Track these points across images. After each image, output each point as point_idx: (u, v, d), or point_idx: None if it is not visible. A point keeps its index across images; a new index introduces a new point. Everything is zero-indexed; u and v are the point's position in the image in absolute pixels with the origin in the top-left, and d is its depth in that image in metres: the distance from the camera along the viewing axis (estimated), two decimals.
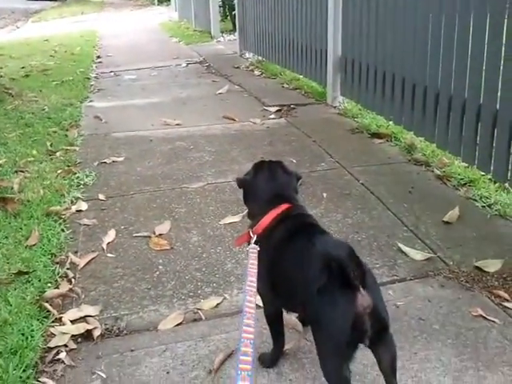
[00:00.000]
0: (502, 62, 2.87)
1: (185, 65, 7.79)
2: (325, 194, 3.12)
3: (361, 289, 1.38)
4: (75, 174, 3.47)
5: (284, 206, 1.76)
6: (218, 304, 2.18)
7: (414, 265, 2.40)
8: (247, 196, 1.92)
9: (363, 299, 1.38)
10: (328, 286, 1.42)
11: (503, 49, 2.85)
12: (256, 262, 1.63)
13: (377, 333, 1.43)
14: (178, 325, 2.07)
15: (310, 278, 1.48)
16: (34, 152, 3.82)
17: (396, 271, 2.36)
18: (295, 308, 1.78)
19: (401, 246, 2.52)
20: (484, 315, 2.04)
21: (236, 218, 2.85)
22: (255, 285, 1.55)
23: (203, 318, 2.11)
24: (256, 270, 1.60)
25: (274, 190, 1.82)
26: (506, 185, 2.94)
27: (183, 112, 5.03)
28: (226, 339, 1.98)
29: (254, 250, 1.69)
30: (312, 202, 3.03)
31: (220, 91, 5.84)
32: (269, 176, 1.85)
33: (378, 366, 1.53)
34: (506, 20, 2.80)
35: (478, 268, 2.34)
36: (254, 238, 1.73)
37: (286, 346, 1.88)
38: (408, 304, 2.14)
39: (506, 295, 2.16)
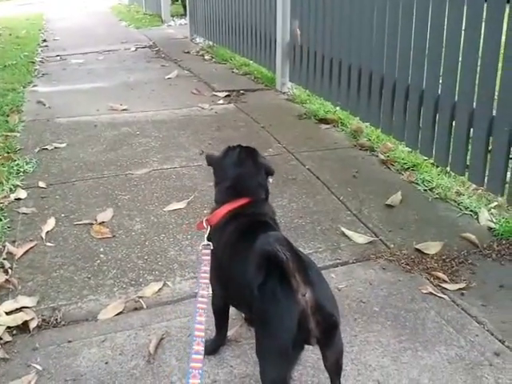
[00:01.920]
0: (444, 48, 2.91)
1: (134, 49, 7.63)
2: (271, 180, 3.10)
3: (301, 285, 1.31)
4: (15, 161, 3.34)
5: (241, 201, 1.69)
6: (159, 289, 2.15)
7: (356, 248, 2.42)
8: (214, 176, 1.86)
9: (305, 296, 1.31)
10: (267, 284, 1.35)
11: (444, 34, 2.90)
12: (208, 269, 1.59)
13: (324, 331, 1.36)
14: (118, 314, 2.03)
15: (250, 277, 1.40)
16: None
17: (339, 255, 2.38)
18: (242, 307, 1.75)
19: (344, 229, 2.55)
20: (427, 292, 2.10)
21: (181, 205, 2.81)
22: (208, 276, 1.53)
23: (144, 306, 2.07)
24: (209, 265, 1.58)
25: (238, 178, 1.74)
26: (448, 169, 3.00)
27: (130, 97, 4.92)
28: (167, 327, 1.95)
29: (206, 249, 1.65)
30: None
31: (169, 76, 5.74)
32: (236, 162, 1.76)
33: (323, 363, 1.49)
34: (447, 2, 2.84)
35: (418, 250, 2.39)
36: (208, 232, 1.70)
37: (228, 333, 1.87)
38: (350, 287, 2.16)
39: (444, 276, 2.20)
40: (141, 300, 2.10)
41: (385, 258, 2.35)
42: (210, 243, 1.66)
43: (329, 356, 1.46)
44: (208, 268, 1.59)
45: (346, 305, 2.05)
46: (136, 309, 2.06)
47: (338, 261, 2.34)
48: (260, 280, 1.36)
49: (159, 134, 3.88)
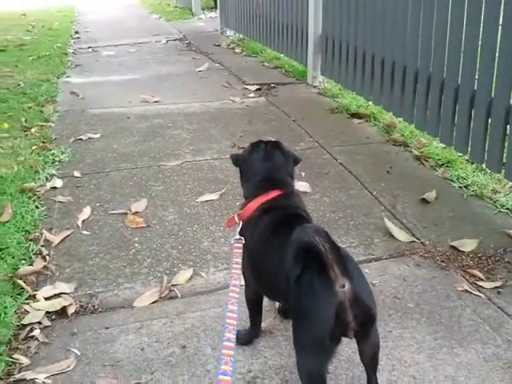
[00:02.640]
0: (480, 42, 2.87)
1: (165, 42, 7.68)
2: (303, 174, 3.11)
3: (339, 276, 1.30)
4: (50, 150, 3.40)
5: (273, 193, 1.68)
6: (191, 278, 2.18)
7: (390, 244, 2.41)
8: (241, 174, 1.85)
9: (343, 287, 1.30)
10: (304, 275, 1.34)
11: (481, 29, 2.85)
12: (240, 261, 1.59)
13: (362, 324, 1.35)
14: (153, 302, 2.06)
15: (287, 269, 1.40)
16: (7, 126, 3.74)
17: (372, 250, 2.37)
18: (278, 299, 1.76)
19: (386, 221, 2.52)
20: (462, 290, 2.08)
21: (213, 196, 2.83)
22: (240, 267, 1.53)
23: (179, 295, 2.10)
24: (240, 257, 1.58)
25: (267, 172, 1.73)
26: (483, 166, 2.96)
27: (162, 89, 4.96)
28: (201, 317, 1.97)
29: (238, 243, 1.64)
30: None
31: (200, 69, 5.77)
32: (264, 156, 1.76)
33: (360, 357, 1.49)
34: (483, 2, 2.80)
35: (453, 247, 2.37)
36: (240, 226, 1.69)
37: (262, 324, 1.88)
38: (383, 283, 2.15)
39: (480, 274, 2.18)
40: (175, 289, 2.12)
41: (419, 254, 2.33)
42: (242, 238, 1.66)
43: (366, 349, 1.46)
44: (240, 260, 1.59)
45: (380, 300, 2.04)
46: (171, 298, 2.09)
47: (372, 256, 2.33)
48: (297, 271, 1.35)
49: (191, 126, 3.91)
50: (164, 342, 1.85)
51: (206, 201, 2.80)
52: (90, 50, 7.15)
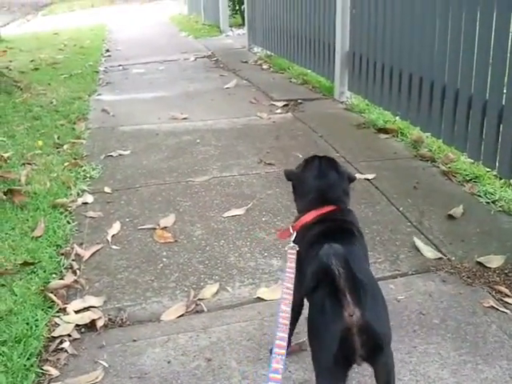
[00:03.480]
0: (508, 56, 2.86)
1: (193, 59, 7.80)
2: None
3: (350, 304, 1.29)
4: (82, 166, 3.50)
5: (327, 208, 1.68)
6: (218, 292, 2.22)
7: (415, 260, 2.41)
8: (294, 190, 1.84)
9: (352, 316, 1.29)
10: (318, 292, 1.36)
11: (510, 43, 2.84)
12: (294, 266, 1.59)
13: (370, 352, 1.34)
14: (180, 316, 2.09)
15: (306, 280, 1.44)
16: (41, 144, 3.85)
17: (398, 266, 2.37)
18: None
19: (416, 240, 2.52)
20: (488, 306, 2.07)
21: (240, 211, 2.87)
22: (291, 293, 1.49)
23: (205, 309, 2.13)
24: (293, 276, 1.56)
25: (321, 188, 1.72)
26: (511, 181, 2.93)
27: (190, 106, 5.04)
28: (227, 331, 2.00)
29: (292, 250, 1.65)
30: None
31: (228, 86, 5.85)
32: (318, 173, 1.75)
33: (375, 379, 1.47)
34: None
35: (479, 263, 2.35)
36: (293, 236, 1.70)
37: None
38: (409, 298, 2.15)
39: (506, 291, 2.16)
40: (202, 303, 2.16)
41: (445, 270, 2.32)
42: (296, 245, 1.66)
43: (378, 374, 1.45)
44: (293, 265, 1.59)
45: (405, 316, 2.04)
46: (197, 312, 2.12)
47: (398, 272, 2.33)
48: (312, 284, 1.39)
49: (218, 143, 3.96)
50: (190, 355, 1.88)
51: (233, 216, 2.84)
52: (121, 67, 7.31)
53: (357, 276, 1.30)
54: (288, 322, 1.42)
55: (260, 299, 2.18)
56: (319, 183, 1.73)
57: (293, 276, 1.56)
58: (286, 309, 1.46)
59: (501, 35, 2.90)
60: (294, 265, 1.60)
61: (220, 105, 5.07)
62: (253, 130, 4.27)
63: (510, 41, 2.84)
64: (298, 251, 1.65)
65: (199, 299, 2.18)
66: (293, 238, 1.70)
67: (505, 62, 2.88)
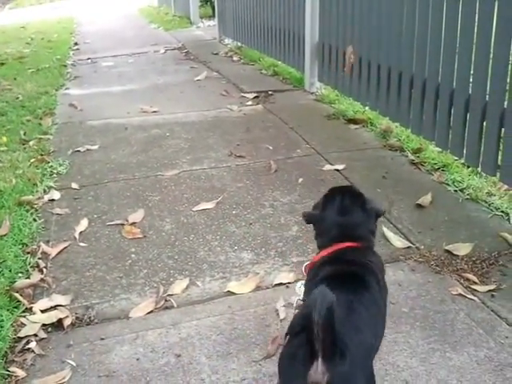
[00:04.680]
0: (474, 46, 2.88)
1: (163, 51, 7.72)
2: (300, 180, 3.12)
3: (318, 360, 1.14)
4: (48, 162, 3.43)
5: (342, 245, 1.53)
6: (188, 287, 2.19)
7: (385, 249, 2.41)
8: (315, 228, 1.68)
9: (316, 372, 1.14)
10: (296, 338, 1.23)
11: (475, 32, 2.86)
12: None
13: None
14: (149, 313, 2.07)
15: (292, 323, 1.31)
16: (6, 140, 3.77)
17: None
18: None
19: (385, 230, 2.53)
20: (456, 293, 2.09)
21: (210, 205, 2.84)
22: None
23: (175, 305, 2.11)
24: None
25: (341, 225, 1.57)
26: (479, 169, 2.97)
27: (160, 99, 4.99)
28: (196, 326, 1.98)
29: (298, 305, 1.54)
30: (287, 188, 3.04)
31: (198, 78, 5.80)
32: (339, 209, 1.58)
33: None
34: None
35: (448, 251, 2.37)
36: (307, 277, 1.58)
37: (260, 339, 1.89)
38: None
39: (474, 278, 2.19)
40: (171, 299, 2.14)
41: (414, 259, 2.34)
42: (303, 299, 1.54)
43: None
44: None
45: None
46: (167, 308, 2.10)
47: None
48: (295, 331, 1.24)
49: (188, 136, 3.93)
50: (159, 351, 1.86)
51: (203, 210, 2.81)
52: (89, 61, 7.19)
53: (337, 333, 1.13)
54: None
55: (230, 293, 2.16)
56: (339, 220, 1.57)
57: None
58: None
59: (467, 25, 2.92)
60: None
61: (190, 97, 5.02)
62: (223, 122, 4.24)
63: (475, 29, 2.86)
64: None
65: (169, 295, 2.16)
66: (303, 283, 1.59)
67: (471, 52, 2.90)
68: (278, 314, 2.02)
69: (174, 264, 2.37)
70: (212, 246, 2.49)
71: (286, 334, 1.25)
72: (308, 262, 1.64)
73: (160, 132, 4.04)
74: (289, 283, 2.21)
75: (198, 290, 2.19)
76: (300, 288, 1.61)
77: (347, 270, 1.46)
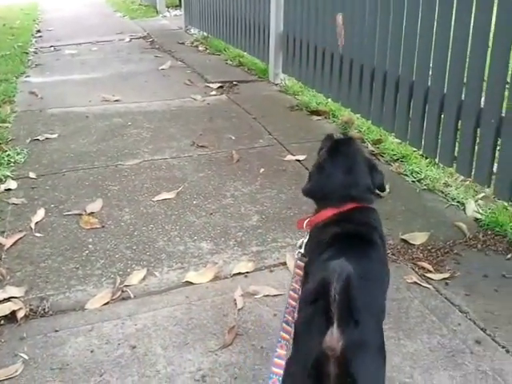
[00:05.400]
0: (434, 39, 2.92)
1: (128, 40, 7.60)
2: (261, 170, 3.12)
3: (334, 327, 1.15)
4: (6, 151, 3.34)
5: (348, 206, 1.52)
6: (145, 278, 2.18)
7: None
8: (314, 178, 1.66)
9: (331, 339, 1.15)
10: (311, 307, 1.24)
11: (435, 25, 2.90)
12: (301, 273, 1.48)
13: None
14: (105, 304, 2.04)
15: (305, 292, 1.32)
16: None
17: None
18: None
19: None
20: (411, 282, 2.13)
21: (170, 195, 2.82)
22: (290, 330, 1.37)
23: (132, 296, 2.09)
24: (299, 281, 1.47)
25: (348, 190, 1.54)
26: (436, 160, 3.02)
27: (123, 88, 4.91)
28: (153, 316, 1.97)
29: (300, 260, 1.53)
30: (248, 178, 3.03)
31: (162, 67, 5.73)
32: (345, 172, 1.56)
33: None
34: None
35: (404, 241, 2.41)
36: (305, 238, 1.59)
37: (217, 328, 1.89)
38: None
39: (429, 266, 2.23)
40: (128, 290, 2.12)
41: None
42: (304, 254, 1.54)
43: None
44: (297, 286, 1.49)
45: None
46: (123, 298, 2.08)
47: None
48: (309, 300, 1.25)
49: (151, 125, 3.89)
50: (114, 343, 1.84)
51: (163, 200, 2.79)
52: (52, 48, 7.03)
53: (355, 306, 1.15)
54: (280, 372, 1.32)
55: (188, 283, 2.16)
56: (344, 180, 1.55)
57: (295, 304, 1.45)
58: (289, 318, 1.41)
59: (427, 18, 2.95)
60: (298, 286, 1.48)
61: (154, 86, 4.96)
62: (186, 112, 4.21)
63: (435, 21, 2.89)
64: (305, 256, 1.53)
65: (126, 286, 2.14)
66: (305, 240, 1.58)
67: (430, 45, 2.93)
68: (235, 304, 2.02)
69: (132, 254, 2.34)
70: (171, 236, 2.47)
71: (305, 301, 1.26)
72: (308, 219, 1.61)
73: (122, 121, 3.98)
74: (247, 273, 2.21)
75: (155, 281, 2.18)
76: (302, 243, 1.61)
77: (354, 231, 1.47)
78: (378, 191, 1.65)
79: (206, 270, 2.22)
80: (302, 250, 1.58)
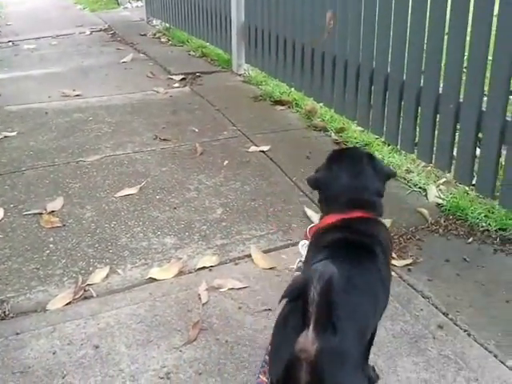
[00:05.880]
0: (392, 26, 2.93)
1: (89, 33, 7.46)
2: (225, 163, 3.11)
3: (309, 329, 1.09)
4: None
5: (354, 214, 1.44)
6: (108, 276, 2.15)
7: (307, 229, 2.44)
8: (321, 193, 1.57)
9: (305, 340, 1.09)
10: (291, 305, 1.19)
11: (392, 12, 2.91)
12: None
13: None
14: (67, 304, 2.01)
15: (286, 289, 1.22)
16: None
17: (290, 235, 2.40)
18: None
19: (306, 210, 2.56)
20: None
21: (132, 190, 2.78)
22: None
23: (94, 295, 2.06)
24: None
25: (354, 196, 1.47)
26: (398, 147, 3.04)
27: (84, 82, 4.82)
28: (116, 315, 1.94)
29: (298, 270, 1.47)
30: (212, 171, 3.01)
31: (124, 60, 5.64)
32: (350, 172, 1.49)
33: None
34: None
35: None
36: (308, 243, 1.52)
37: (181, 325, 1.87)
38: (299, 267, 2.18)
39: (392, 253, 2.24)
40: (91, 289, 2.08)
41: None
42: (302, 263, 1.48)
43: None
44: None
45: None
46: (86, 298, 2.05)
47: (290, 241, 2.36)
48: (288, 297, 1.18)
49: (112, 120, 3.82)
50: (77, 343, 1.81)
51: (125, 196, 2.75)
52: (10, 43, 6.85)
53: (335, 310, 1.11)
54: None
55: (152, 280, 2.13)
56: (349, 185, 1.47)
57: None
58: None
59: (385, 6, 2.96)
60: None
61: (115, 80, 4.88)
62: (149, 105, 4.15)
63: (392, 11, 2.90)
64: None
65: (88, 285, 2.10)
66: (306, 249, 1.51)
67: (388, 32, 2.95)
68: (200, 299, 2.00)
69: (94, 253, 2.30)
70: (134, 233, 2.44)
71: (282, 297, 1.18)
72: (312, 225, 1.57)
73: (82, 116, 3.91)
74: (212, 266, 2.20)
75: (118, 279, 2.15)
76: (303, 247, 1.55)
77: (354, 239, 1.38)
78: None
79: (169, 265, 2.20)
80: (303, 258, 1.48)
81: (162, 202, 2.70)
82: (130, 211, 2.61)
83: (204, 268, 2.19)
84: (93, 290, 2.08)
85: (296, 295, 1.13)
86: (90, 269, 2.20)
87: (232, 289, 2.06)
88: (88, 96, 4.39)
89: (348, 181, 1.47)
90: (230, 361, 1.72)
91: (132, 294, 2.05)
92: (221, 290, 2.05)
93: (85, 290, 2.08)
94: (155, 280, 2.13)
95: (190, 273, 2.17)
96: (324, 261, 1.13)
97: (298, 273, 1.45)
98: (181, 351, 1.77)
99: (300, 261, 1.52)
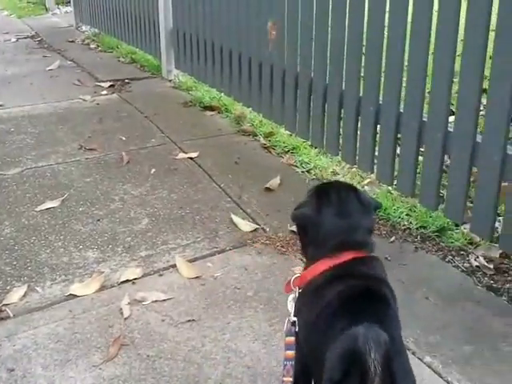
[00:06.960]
0: (314, 32, 2.96)
1: (14, 40, 7.19)
2: (153, 171, 3.06)
3: None
4: None
5: (346, 257, 1.28)
6: (26, 295, 2.06)
7: (234, 235, 2.43)
8: (304, 232, 1.42)
9: None
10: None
11: (314, 22, 2.94)
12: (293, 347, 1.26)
13: None
14: None
15: (327, 367, 1.07)
16: None
17: (216, 243, 2.38)
18: None
19: (233, 217, 2.54)
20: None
21: (54, 203, 2.69)
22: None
23: (11, 315, 1.97)
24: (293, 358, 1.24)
25: (346, 236, 1.31)
26: (323, 149, 3.08)
27: (6, 92, 4.63)
28: (33, 335, 1.86)
29: (290, 333, 1.30)
30: (138, 180, 2.96)
31: (50, 67, 5.46)
32: (338, 207, 1.33)
33: None
34: None
35: (293, 232, 2.43)
36: (295, 296, 1.38)
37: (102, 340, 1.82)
38: (225, 274, 2.17)
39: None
40: (7, 309, 1.99)
41: (261, 242, 2.38)
42: (295, 323, 1.31)
43: None
44: (292, 362, 1.26)
45: (220, 293, 2.06)
46: (2, 318, 1.95)
47: (216, 249, 2.34)
48: (337, 376, 1.03)
49: (35, 130, 3.69)
50: None
51: (47, 209, 2.65)
52: None
53: (395, 378, 1.01)
54: None
55: (73, 296, 2.06)
56: (340, 224, 1.31)
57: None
58: None
59: (305, 13, 2.99)
60: (293, 362, 1.26)
61: (40, 89, 4.72)
62: (74, 114, 4.04)
63: (314, 17, 2.93)
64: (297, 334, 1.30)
65: (4, 305, 2.01)
66: (294, 303, 1.36)
67: (311, 37, 2.97)
68: (121, 313, 1.95)
69: (12, 270, 2.21)
70: (55, 248, 2.36)
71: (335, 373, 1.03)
72: (295, 276, 1.39)
73: (4, 127, 3.75)
74: (135, 279, 2.15)
75: (37, 297, 2.06)
76: (291, 302, 1.39)
77: (363, 287, 1.22)
78: None
79: (91, 280, 2.14)
80: (293, 317, 1.32)
81: (84, 214, 2.62)
82: (50, 225, 2.52)
83: (127, 281, 2.14)
84: (9, 310, 1.99)
85: (342, 375, 1.01)
86: (8, 288, 2.10)
87: (156, 301, 2.02)
88: (10, 106, 4.22)
89: (340, 221, 1.32)
90: (151, 376, 1.68)
91: (51, 312, 1.98)
92: (144, 302, 2.01)
93: (1, 311, 1.98)
94: (76, 296, 2.06)
95: (113, 287, 2.12)
96: (366, 324, 1.01)
97: (289, 337, 1.30)
98: (100, 369, 1.72)
99: (289, 319, 1.34)
